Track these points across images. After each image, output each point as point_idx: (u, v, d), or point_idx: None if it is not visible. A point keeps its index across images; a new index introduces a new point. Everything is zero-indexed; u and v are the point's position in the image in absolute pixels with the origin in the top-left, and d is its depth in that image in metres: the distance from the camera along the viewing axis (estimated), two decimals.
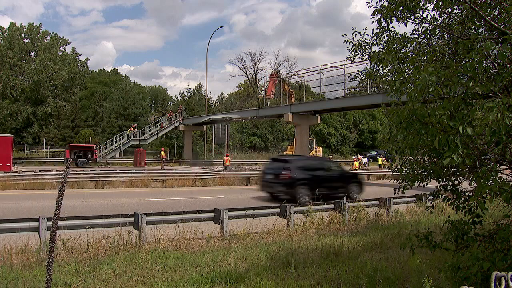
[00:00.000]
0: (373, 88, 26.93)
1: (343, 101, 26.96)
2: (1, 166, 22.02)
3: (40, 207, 11.93)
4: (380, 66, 4.77)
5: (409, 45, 4.92)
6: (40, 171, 20.70)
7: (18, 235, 7.05)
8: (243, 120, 44.13)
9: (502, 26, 4.06)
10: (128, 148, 41.11)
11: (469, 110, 3.67)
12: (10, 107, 48.57)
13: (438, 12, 4.68)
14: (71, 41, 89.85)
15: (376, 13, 4.77)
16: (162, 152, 36.01)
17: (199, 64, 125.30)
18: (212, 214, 8.94)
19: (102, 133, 50.26)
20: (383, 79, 5.25)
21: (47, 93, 51.36)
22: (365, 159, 39.32)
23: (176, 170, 26.03)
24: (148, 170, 25.05)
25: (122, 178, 20.41)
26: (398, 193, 4.62)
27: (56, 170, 20.48)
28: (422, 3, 4.51)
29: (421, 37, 4.98)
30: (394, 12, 4.49)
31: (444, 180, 4.38)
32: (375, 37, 5.09)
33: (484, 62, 3.76)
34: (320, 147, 44.00)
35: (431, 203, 6.10)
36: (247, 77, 57.83)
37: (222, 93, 75.01)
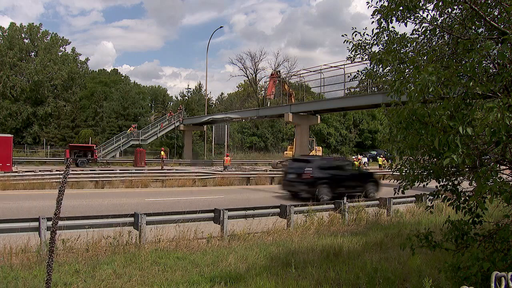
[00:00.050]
0: (373, 88, 26.92)
1: (343, 101, 26.96)
2: (1, 166, 22.02)
3: (40, 207, 11.93)
4: (380, 66, 4.77)
5: (409, 45, 4.92)
6: (40, 171, 20.70)
7: (18, 235, 7.05)
8: (243, 120, 44.14)
9: (502, 26, 4.06)
10: (128, 148, 41.10)
11: (469, 110, 3.67)
12: (10, 107, 48.57)
13: (438, 12, 4.67)
14: (71, 41, 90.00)
15: (376, 13, 4.77)
16: (162, 152, 36.00)
17: (199, 64, 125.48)
18: (212, 214, 8.94)
19: (102, 133, 50.26)
20: (383, 79, 5.25)
21: (47, 93, 51.36)
22: (365, 159, 39.34)
23: (176, 170, 26.03)
24: (148, 170, 25.05)
25: (122, 178, 20.41)
26: (398, 193, 4.62)
27: (56, 170, 20.48)
28: (422, 3, 4.51)
29: (421, 37, 4.98)
30: (394, 12, 4.49)
31: (444, 180, 4.39)
32: (375, 37, 5.09)
33: (484, 62, 3.76)
34: (320, 147, 43.98)
35: (431, 203, 6.10)
36: (247, 77, 57.88)
37: (222, 93, 75.12)
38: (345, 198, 11.53)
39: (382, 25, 4.83)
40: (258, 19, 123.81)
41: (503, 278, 2.07)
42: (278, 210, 9.93)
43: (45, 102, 51.23)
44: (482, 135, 3.49)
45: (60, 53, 54.89)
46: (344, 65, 23.78)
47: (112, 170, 24.26)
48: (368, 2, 5.00)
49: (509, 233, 4.03)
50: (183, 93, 64.47)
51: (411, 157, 4.41)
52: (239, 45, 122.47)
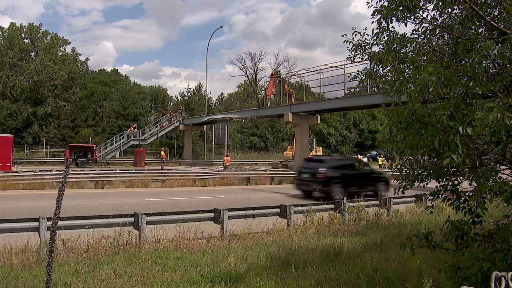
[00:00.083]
0: (373, 88, 26.90)
1: (343, 101, 26.93)
2: (1, 166, 22.02)
3: (40, 207, 11.93)
4: (380, 66, 4.77)
5: (409, 45, 4.92)
6: (40, 171, 20.70)
7: (18, 235, 7.05)
8: (243, 120, 44.11)
9: (502, 26, 4.06)
10: (128, 148, 41.09)
11: (469, 110, 3.67)
12: (10, 107, 48.56)
13: (438, 12, 4.68)
14: (71, 41, 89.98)
15: (376, 13, 4.77)
16: (162, 152, 36.00)
17: (199, 64, 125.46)
18: (212, 214, 8.94)
19: (102, 133, 50.25)
20: (383, 79, 5.25)
21: (47, 93, 51.36)
22: (365, 159, 39.31)
23: (176, 170, 26.03)
24: (148, 170, 25.05)
25: (122, 178, 20.41)
26: (398, 193, 4.62)
27: (56, 170, 20.48)
28: (422, 3, 4.51)
29: (421, 37, 4.98)
30: (394, 12, 4.49)
31: (444, 180, 4.39)
32: (375, 37, 5.09)
33: (484, 62, 3.76)
34: (320, 147, 43.95)
35: (431, 203, 6.11)
36: (247, 77, 57.81)
37: (222, 93, 75.12)
38: (345, 198, 11.55)
39: (382, 25, 4.83)
40: (258, 19, 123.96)
41: (503, 278, 2.07)
42: (278, 210, 9.93)
43: (45, 102, 51.23)
44: (482, 135, 3.49)
45: (60, 53, 54.87)
46: (344, 65, 23.76)
47: (112, 170, 24.26)
48: (368, 2, 5.00)
49: (509, 233, 4.03)
50: (183, 93, 64.54)
51: (411, 157, 4.41)
52: (239, 45, 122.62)
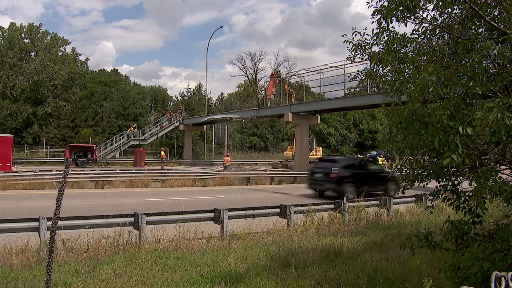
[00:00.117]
0: (373, 88, 26.89)
1: (343, 101, 26.93)
2: (1, 166, 22.01)
3: (40, 207, 11.93)
4: (380, 66, 4.77)
5: (409, 45, 4.92)
6: (40, 171, 20.70)
7: (18, 235, 7.05)
8: (243, 120, 44.11)
9: (502, 26, 4.06)
10: (128, 148, 41.10)
11: (469, 110, 3.67)
12: (10, 107, 48.56)
13: (438, 12, 4.68)
14: (71, 41, 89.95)
15: (376, 13, 4.77)
16: (162, 152, 36.01)
17: (199, 64, 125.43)
18: (212, 214, 8.94)
19: (102, 133, 50.25)
20: (383, 79, 5.25)
21: (47, 93, 51.36)
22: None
23: (176, 170, 26.03)
24: (148, 170, 25.05)
25: (122, 178, 20.41)
26: (398, 193, 4.62)
27: (56, 170, 20.48)
28: (422, 3, 4.51)
29: (421, 37, 4.98)
30: (394, 12, 4.49)
31: (444, 180, 4.39)
32: (375, 37, 5.09)
33: (484, 62, 3.76)
34: (320, 147, 43.95)
35: (431, 203, 6.11)
36: (247, 77, 57.81)
37: (222, 93, 75.09)
38: (345, 198, 11.55)
39: (382, 25, 4.83)
40: (258, 19, 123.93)
41: (503, 278, 2.07)
42: (278, 210, 9.93)
43: (45, 102, 51.23)
44: (482, 135, 3.49)
45: (60, 53, 54.87)
46: (344, 65, 23.75)
47: (112, 170, 24.26)
48: (368, 2, 5.00)
49: (509, 233, 4.03)
50: (183, 93, 64.54)
51: (411, 157, 4.41)
52: (239, 45, 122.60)
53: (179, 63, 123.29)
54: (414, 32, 4.93)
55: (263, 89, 53.97)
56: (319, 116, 30.15)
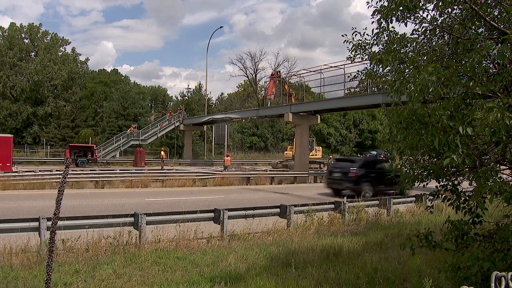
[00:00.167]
0: (373, 88, 26.87)
1: (343, 101, 26.92)
2: (1, 166, 22.02)
3: (40, 207, 11.93)
4: (380, 66, 4.77)
5: (409, 45, 4.92)
6: (40, 171, 20.70)
7: (18, 235, 7.05)
8: (243, 120, 44.10)
9: (502, 26, 4.06)
10: (128, 148, 41.09)
11: (469, 110, 3.67)
12: (10, 107, 48.56)
13: (438, 12, 4.67)
14: (71, 41, 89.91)
15: (376, 13, 4.77)
16: (162, 152, 36.01)
17: (199, 64, 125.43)
18: (212, 214, 8.94)
19: (102, 133, 50.26)
20: (383, 79, 5.25)
21: (47, 93, 51.36)
22: None
23: (176, 170, 26.03)
24: (148, 170, 25.05)
25: (122, 178, 20.41)
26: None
27: (56, 170, 20.48)
28: (422, 3, 4.51)
29: (421, 37, 4.98)
30: (394, 12, 4.49)
31: (444, 180, 4.39)
32: (375, 37, 5.09)
33: (484, 62, 3.76)
34: (320, 147, 43.98)
35: (431, 203, 6.11)
36: (247, 77, 57.80)
37: (222, 93, 75.09)
38: (345, 198, 11.56)
39: (382, 25, 4.83)
40: (258, 19, 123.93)
41: (503, 278, 2.07)
42: (278, 210, 9.93)
43: (45, 102, 51.23)
44: (482, 135, 3.49)
45: (60, 53, 54.87)
46: (344, 65, 23.74)
47: (112, 170, 24.26)
48: (368, 2, 5.00)
49: (509, 233, 4.02)
50: (183, 93, 64.53)
51: (411, 157, 4.41)
52: (239, 45, 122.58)
53: (179, 63, 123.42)
54: (414, 32, 4.93)
55: (263, 89, 53.99)
56: (319, 116, 30.15)
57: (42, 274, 5.34)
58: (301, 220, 9.98)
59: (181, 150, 48.03)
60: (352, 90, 54.19)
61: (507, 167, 4.14)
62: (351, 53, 5.43)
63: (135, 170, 24.96)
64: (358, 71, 6.05)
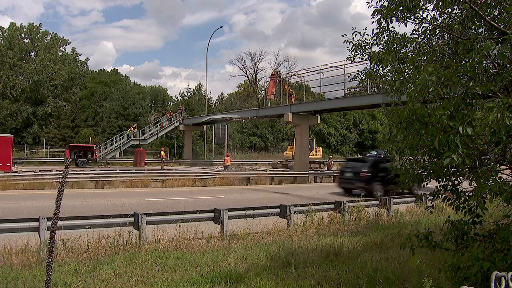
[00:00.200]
0: (373, 88, 26.87)
1: (343, 101, 26.91)
2: (1, 166, 22.01)
3: (40, 207, 11.93)
4: (380, 66, 4.77)
5: (409, 45, 4.92)
6: (40, 171, 20.70)
7: (18, 235, 7.05)
8: (243, 120, 44.09)
9: (502, 26, 4.06)
10: (128, 148, 41.08)
11: (469, 110, 3.67)
12: (10, 107, 48.56)
13: (438, 12, 4.68)
14: (71, 41, 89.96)
15: (376, 13, 4.77)
16: (162, 152, 36.01)
17: (199, 64, 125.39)
18: (212, 214, 8.94)
19: (102, 133, 50.25)
20: (383, 79, 5.25)
21: (47, 93, 51.36)
22: None
23: (176, 170, 26.03)
24: (148, 170, 25.04)
25: (122, 178, 20.41)
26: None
27: (56, 170, 20.47)
28: (422, 3, 4.51)
29: (421, 37, 4.98)
30: (394, 12, 4.49)
31: (444, 180, 4.39)
32: (375, 37, 5.09)
33: (484, 62, 3.76)
34: (320, 147, 43.96)
35: (431, 203, 6.10)
36: (247, 77, 57.80)
37: (222, 93, 75.10)
38: (345, 199, 11.56)
39: (382, 25, 4.83)
40: (258, 19, 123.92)
41: (503, 278, 2.07)
42: (278, 210, 9.93)
43: (45, 102, 51.23)
44: (482, 135, 3.49)
45: (60, 53, 54.86)
46: (344, 65, 23.73)
47: (112, 170, 24.26)
48: (368, 2, 5.00)
49: (509, 233, 4.02)
50: (183, 93, 64.53)
51: (411, 157, 4.41)
52: (239, 45, 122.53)
53: (179, 63, 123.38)
54: (414, 32, 4.93)
55: (263, 89, 53.99)
56: (319, 116, 30.14)
57: (42, 274, 5.34)
58: (301, 220, 9.98)
59: (181, 150, 48.03)
60: (352, 90, 54.19)
61: (507, 167, 4.14)
62: (351, 53, 5.43)
63: (135, 170, 24.95)
64: (358, 71, 6.06)
